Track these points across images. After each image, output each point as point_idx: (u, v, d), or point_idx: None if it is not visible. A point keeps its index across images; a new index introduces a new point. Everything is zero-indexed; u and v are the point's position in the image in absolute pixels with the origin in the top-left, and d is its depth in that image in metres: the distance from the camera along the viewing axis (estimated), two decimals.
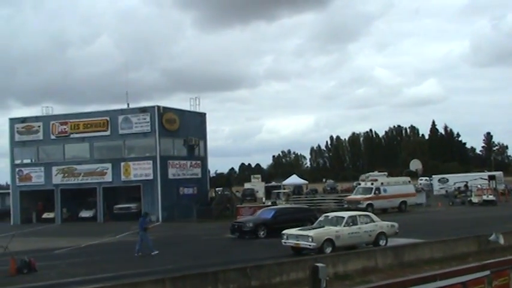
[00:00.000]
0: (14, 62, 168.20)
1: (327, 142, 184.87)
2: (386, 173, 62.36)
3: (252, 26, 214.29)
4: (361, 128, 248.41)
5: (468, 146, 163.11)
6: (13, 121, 57.59)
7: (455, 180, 73.12)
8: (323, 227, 24.62)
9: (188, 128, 54.68)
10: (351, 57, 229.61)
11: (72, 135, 54.31)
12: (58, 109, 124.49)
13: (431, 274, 5.01)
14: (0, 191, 71.84)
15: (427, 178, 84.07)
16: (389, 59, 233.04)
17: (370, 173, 66.43)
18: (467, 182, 66.80)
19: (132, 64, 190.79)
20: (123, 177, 52.21)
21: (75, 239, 35.16)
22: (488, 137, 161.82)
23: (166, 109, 53.24)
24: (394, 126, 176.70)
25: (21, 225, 51.91)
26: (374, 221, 25.69)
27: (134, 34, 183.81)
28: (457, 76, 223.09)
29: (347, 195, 53.70)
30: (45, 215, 54.25)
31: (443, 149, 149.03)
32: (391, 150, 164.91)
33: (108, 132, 52.93)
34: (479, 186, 60.59)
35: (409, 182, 53.07)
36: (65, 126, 54.53)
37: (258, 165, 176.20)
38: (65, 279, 19.56)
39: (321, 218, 26.15)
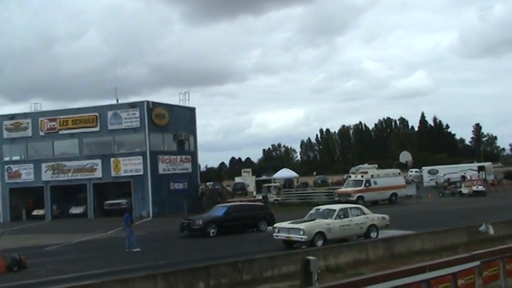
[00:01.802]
0: (1, 59, 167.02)
1: (317, 135, 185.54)
2: (376, 165, 62.54)
3: (239, 20, 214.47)
4: (351, 121, 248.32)
5: (457, 137, 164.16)
6: (1, 118, 57.19)
7: (445, 171, 73.44)
8: (314, 220, 24.65)
9: (178, 123, 54.55)
10: (340, 50, 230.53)
11: (61, 132, 54.04)
12: (46, 105, 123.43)
13: (422, 265, 5.01)
14: None
15: (417, 170, 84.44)
16: (377, 51, 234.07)
17: (361, 166, 66.63)
18: (465, 172, 67.09)
19: (120, 59, 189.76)
20: (113, 173, 52.05)
21: (65, 235, 35.02)
22: (477, 128, 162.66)
23: (156, 104, 53.03)
24: (383, 119, 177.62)
25: (11, 222, 51.66)
26: (365, 214, 25.77)
27: (122, 29, 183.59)
28: (446, 68, 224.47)
29: (338, 188, 53.81)
30: (35, 212, 54.05)
31: (432, 141, 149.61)
32: (381, 142, 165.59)
33: (97, 128, 52.70)
34: (468, 177, 60.90)
35: (399, 174, 53.23)
36: (53, 123, 54.26)
37: (248, 159, 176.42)
38: (56, 276, 19.48)
39: (312, 211, 26.16)
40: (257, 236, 29.84)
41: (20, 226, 45.55)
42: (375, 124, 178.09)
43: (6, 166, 56.20)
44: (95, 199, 52.73)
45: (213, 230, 30.23)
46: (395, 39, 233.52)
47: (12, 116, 56.89)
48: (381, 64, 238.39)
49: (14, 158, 57.14)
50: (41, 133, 54.78)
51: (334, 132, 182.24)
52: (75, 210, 53.28)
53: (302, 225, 23.76)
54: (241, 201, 43.46)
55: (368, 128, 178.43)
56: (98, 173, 52.57)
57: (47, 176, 54.25)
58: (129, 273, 17.62)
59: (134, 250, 25.91)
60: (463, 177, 63.24)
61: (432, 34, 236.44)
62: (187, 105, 56.73)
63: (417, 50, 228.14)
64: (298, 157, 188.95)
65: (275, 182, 67.40)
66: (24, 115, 56.52)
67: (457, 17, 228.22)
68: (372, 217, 25.92)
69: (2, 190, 56.28)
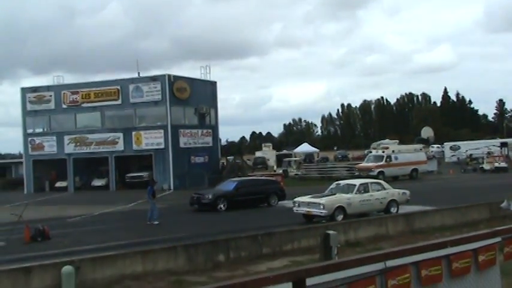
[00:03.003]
0: (24, 32, 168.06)
1: (338, 110, 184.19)
2: (397, 140, 62.24)
3: None
4: (373, 96, 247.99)
5: (480, 112, 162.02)
6: (25, 90, 57.82)
7: (467, 147, 72.87)
8: (334, 194, 24.68)
9: (199, 97, 54.60)
10: (362, 24, 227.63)
11: (83, 105, 54.45)
12: (68, 78, 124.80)
13: (442, 241, 4.98)
14: (13, 160, 72.47)
15: (439, 145, 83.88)
16: (400, 25, 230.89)
17: (382, 141, 66.34)
18: (490, 148, 66.48)
19: (142, 32, 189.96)
20: (134, 146, 52.44)
21: (88, 207, 35.41)
22: (501, 103, 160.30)
23: (177, 78, 53.13)
24: (405, 94, 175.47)
25: (34, 194, 52.37)
26: (385, 189, 25.73)
27: (143, 2, 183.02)
28: (470, 42, 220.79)
29: (358, 163, 53.69)
30: (58, 184, 54.78)
31: (455, 116, 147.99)
32: (403, 117, 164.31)
33: (119, 101, 53.01)
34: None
35: (421, 149, 52.91)
36: (76, 96, 54.65)
37: (269, 133, 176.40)
38: (79, 247, 19.76)
39: (332, 186, 26.19)
40: (268, 211, 30.00)
41: (44, 197, 46.15)
42: (397, 99, 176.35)
43: (29, 138, 56.87)
44: (116, 172, 53.27)
45: (222, 205, 30.27)
46: (418, 12, 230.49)
47: (35, 89, 57.40)
48: (404, 38, 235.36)
49: (37, 130, 57.79)
50: (64, 106, 55.23)
51: (356, 107, 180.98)
52: (97, 182, 53.95)
53: (322, 200, 23.81)
54: (263, 175, 43.64)
55: (390, 103, 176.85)
56: (120, 146, 53.01)
57: (69, 148, 54.83)
58: (150, 245, 17.83)
59: (154, 223, 26.15)
60: (489, 153, 62.60)
61: (457, 7, 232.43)
62: (208, 78, 56.73)
63: (441, 24, 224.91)
64: (319, 132, 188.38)
65: (295, 157, 67.42)
66: (47, 88, 56.99)
67: None
68: (392, 192, 25.88)
69: (25, 162, 57.15)
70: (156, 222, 26.13)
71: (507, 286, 7.11)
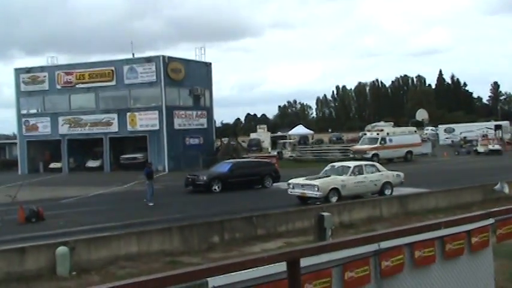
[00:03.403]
0: (17, 12, 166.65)
1: (333, 92, 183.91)
2: (392, 123, 62.28)
3: None
4: (368, 78, 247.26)
5: (475, 95, 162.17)
6: (18, 71, 57.48)
7: (462, 130, 73.01)
8: (329, 176, 24.72)
9: (194, 78, 54.38)
10: (358, 5, 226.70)
11: (77, 85, 54.19)
12: (62, 59, 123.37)
13: (436, 222, 5.00)
14: (7, 141, 72.23)
15: (433, 128, 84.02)
16: (396, 6, 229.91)
17: (376, 123, 66.34)
18: (486, 132, 66.65)
19: (137, 13, 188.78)
20: (129, 128, 52.31)
21: (82, 188, 35.40)
22: (495, 86, 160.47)
23: (172, 59, 52.91)
24: (400, 76, 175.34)
25: (28, 174, 52.22)
26: (379, 171, 25.80)
27: None
28: (465, 24, 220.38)
29: (353, 145, 53.74)
30: (52, 165, 54.64)
31: (449, 99, 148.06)
32: (398, 100, 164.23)
33: (113, 82, 52.79)
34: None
35: (415, 131, 52.98)
36: (70, 76, 54.38)
37: (263, 115, 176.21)
38: (73, 228, 19.80)
39: (327, 168, 26.22)
40: (263, 193, 30.08)
41: (38, 178, 46.06)
42: (392, 81, 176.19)
43: (23, 119, 56.65)
44: (111, 153, 53.20)
45: (217, 186, 30.40)
46: None
47: (28, 70, 57.08)
48: (399, 20, 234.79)
49: (31, 111, 57.50)
50: (58, 86, 54.96)
51: (351, 89, 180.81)
52: (92, 163, 53.87)
53: (317, 182, 23.86)
54: (257, 157, 43.68)
55: (384, 85, 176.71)
56: (114, 127, 52.87)
57: (63, 129, 54.67)
58: (145, 226, 17.88)
59: (149, 204, 26.20)
60: (484, 136, 62.78)
61: None
62: (203, 60, 56.50)
63: (437, 6, 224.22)
64: (314, 114, 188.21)
65: (290, 139, 67.43)
66: (41, 68, 56.66)
67: None
68: (387, 174, 25.95)
69: (19, 143, 56.99)
70: (151, 204, 26.20)
71: (500, 267, 7.17)
